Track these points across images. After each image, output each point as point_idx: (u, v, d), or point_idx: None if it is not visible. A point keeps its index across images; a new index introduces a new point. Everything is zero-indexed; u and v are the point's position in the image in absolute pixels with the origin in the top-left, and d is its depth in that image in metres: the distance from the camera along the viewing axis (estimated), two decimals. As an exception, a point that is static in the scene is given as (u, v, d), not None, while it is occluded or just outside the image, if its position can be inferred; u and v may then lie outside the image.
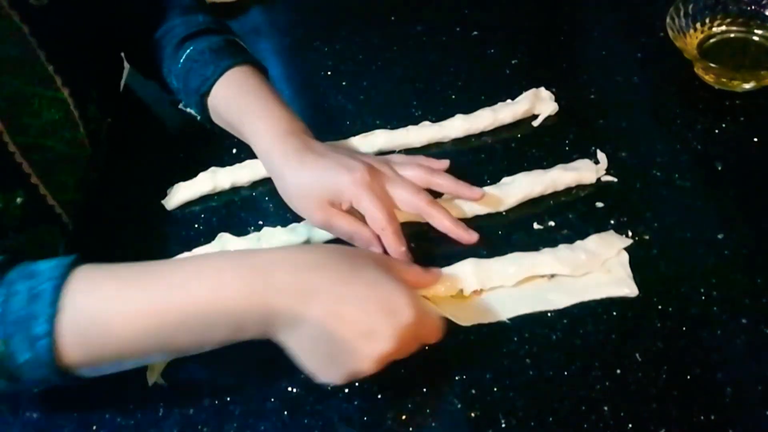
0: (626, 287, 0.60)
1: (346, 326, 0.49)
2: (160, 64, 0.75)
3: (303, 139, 0.64)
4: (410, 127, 0.75)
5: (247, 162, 0.74)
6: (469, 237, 0.63)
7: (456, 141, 0.74)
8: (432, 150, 0.74)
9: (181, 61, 0.72)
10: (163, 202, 0.73)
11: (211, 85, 0.69)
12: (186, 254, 0.66)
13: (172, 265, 0.53)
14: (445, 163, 0.68)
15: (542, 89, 0.76)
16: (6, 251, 0.52)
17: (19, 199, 0.60)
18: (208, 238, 0.68)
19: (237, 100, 0.69)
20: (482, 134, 0.74)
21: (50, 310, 0.47)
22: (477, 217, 0.67)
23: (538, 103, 0.75)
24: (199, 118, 0.74)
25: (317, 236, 0.66)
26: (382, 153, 0.74)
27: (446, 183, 0.66)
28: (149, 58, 0.76)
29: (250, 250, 0.61)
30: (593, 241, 0.62)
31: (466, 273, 0.61)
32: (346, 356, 0.49)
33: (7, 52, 0.60)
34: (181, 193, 0.73)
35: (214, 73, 0.69)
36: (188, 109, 0.76)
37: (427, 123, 0.75)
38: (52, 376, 0.49)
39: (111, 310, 0.49)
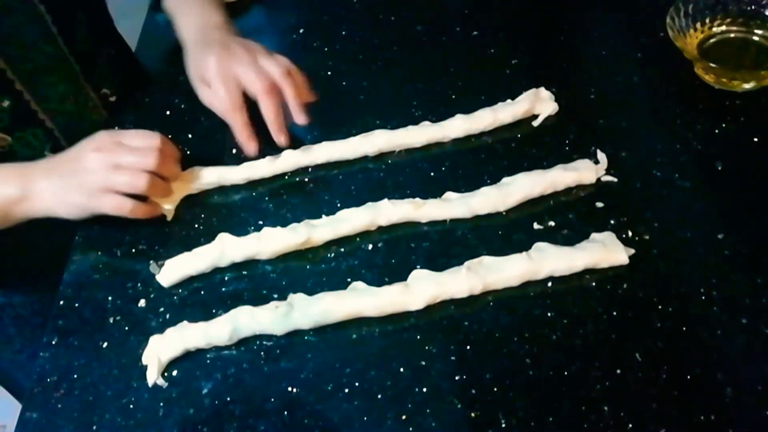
0: (620, 254, 0.61)
1: (71, 165, 0.66)
2: None
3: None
4: (410, 127, 0.75)
5: (246, 163, 0.74)
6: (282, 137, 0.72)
7: (456, 141, 0.74)
8: (432, 150, 0.74)
9: None
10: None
11: None
12: (186, 254, 0.66)
13: None
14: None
15: (542, 89, 0.76)
16: None
17: (6, 103, 0.72)
18: (208, 238, 0.68)
19: None
20: (482, 134, 0.74)
21: None
22: (477, 217, 0.67)
23: (538, 103, 0.75)
24: None
25: (317, 236, 0.66)
26: (382, 153, 0.74)
27: (288, 91, 0.71)
28: None
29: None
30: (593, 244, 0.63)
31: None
32: (75, 178, 0.65)
33: None
34: (180, 194, 0.73)
35: None
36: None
37: (427, 123, 0.75)
38: None
39: None
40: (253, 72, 0.69)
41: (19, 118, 0.74)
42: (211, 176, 0.73)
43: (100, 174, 0.65)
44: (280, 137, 0.72)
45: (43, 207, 0.66)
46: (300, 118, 0.71)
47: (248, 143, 0.72)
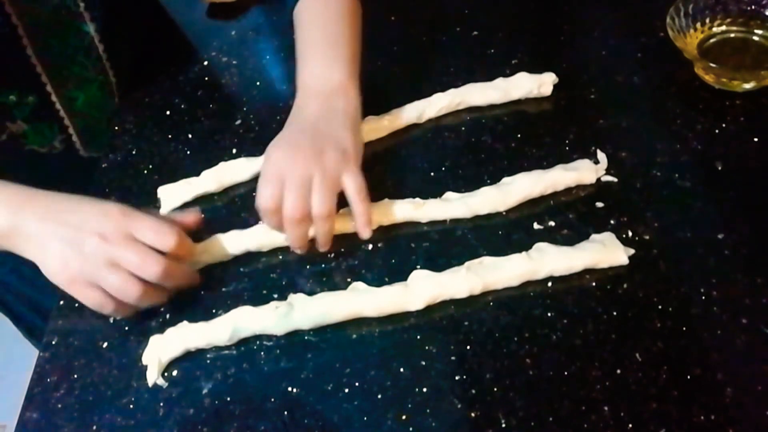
0: (619, 254, 0.61)
1: (64, 231, 0.59)
2: None
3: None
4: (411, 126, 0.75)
5: (245, 160, 0.74)
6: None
7: (457, 138, 0.74)
8: (432, 149, 0.74)
9: None
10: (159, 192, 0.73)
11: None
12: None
13: None
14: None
15: (545, 74, 0.77)
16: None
17: (31, 99, 0.74)
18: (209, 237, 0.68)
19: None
20: (482, 134, 0.74)
21: None
22: (477, 217, 0.67)
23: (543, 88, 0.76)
24: None
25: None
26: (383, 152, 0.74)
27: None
28: None
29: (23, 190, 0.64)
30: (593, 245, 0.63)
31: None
32: (63, 255, 0.59)
33: None
34: (181, 192, 0.73)
35: None
36: None
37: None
38: None
39: None
40: (292, 201, 0.62)
41: (41, 113, 0.75)
42: (216, 180, 0.73)
43: (93, 266, 0.59)
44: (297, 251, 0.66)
45: (27, 254, 0.61)
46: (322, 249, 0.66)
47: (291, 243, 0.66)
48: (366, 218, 0.64)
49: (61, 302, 0.67)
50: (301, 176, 0.63)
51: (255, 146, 0.76)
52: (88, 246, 0.58)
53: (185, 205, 0.73)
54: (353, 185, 0.64)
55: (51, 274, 0.60)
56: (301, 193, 0.62)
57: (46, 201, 0.62)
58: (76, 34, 0.76)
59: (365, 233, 0.65)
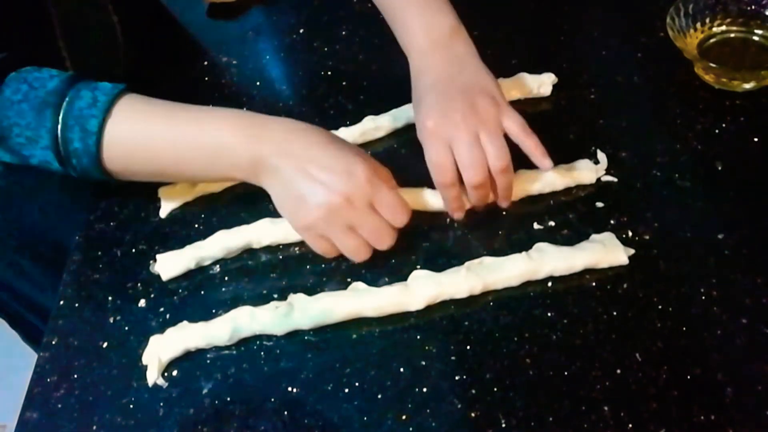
0: (619, 254, 0.61)
1: (309, 180, 0.60)
2: None
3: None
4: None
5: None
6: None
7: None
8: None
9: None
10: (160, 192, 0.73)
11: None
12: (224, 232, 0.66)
13: (195, 110, 0.65)
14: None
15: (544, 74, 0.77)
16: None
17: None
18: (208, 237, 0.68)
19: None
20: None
21: (102, 116, 0.61)
22: (477, 217, 0.67)
23: (543, 88, 0.76)
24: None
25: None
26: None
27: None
28: None
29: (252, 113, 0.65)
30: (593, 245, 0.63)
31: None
32: (304, 202, 0.60)
33: None
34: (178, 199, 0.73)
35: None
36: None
37: None
38: (93, 169, 0.62)
39: (143, 133, 0.63)
40: (471, 166, 0.62)
41: None
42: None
43: (332, 225, 0.60)
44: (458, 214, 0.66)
45: (266, 186, 0.62)
46: (504, 203, 0.66)
47: (457, 213, 0.66)
48: (542, 150, 0.63)
49: (61, 302, 0.67)
50: (468, 138, 0.62)
51: (255, 146, 0.76)
52: (332, 203, 0.59)
53: (187, 204, 0.73)
54: (515, 125, 0.64)
55: (286, 215, 0.63)
56: (475, 154, 0.62)
57: (288, 131, 0.62)
58: (103, 27, 0.78)
59: (546, 164, 0.64)
